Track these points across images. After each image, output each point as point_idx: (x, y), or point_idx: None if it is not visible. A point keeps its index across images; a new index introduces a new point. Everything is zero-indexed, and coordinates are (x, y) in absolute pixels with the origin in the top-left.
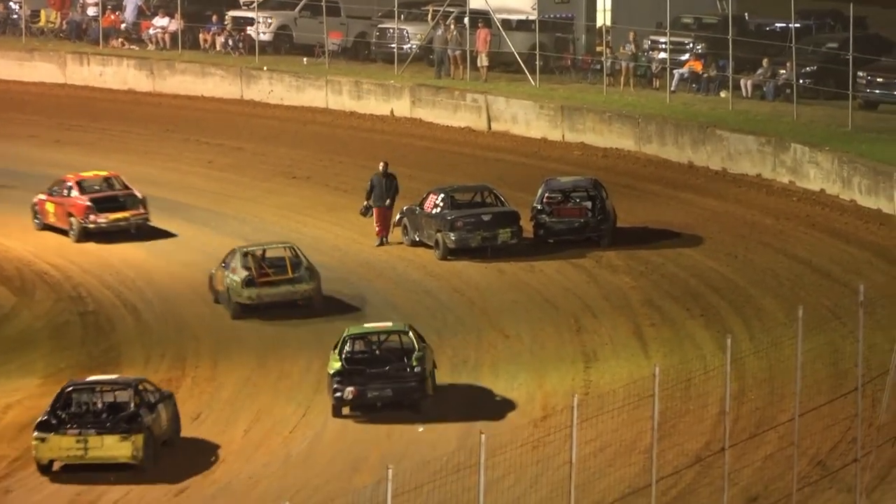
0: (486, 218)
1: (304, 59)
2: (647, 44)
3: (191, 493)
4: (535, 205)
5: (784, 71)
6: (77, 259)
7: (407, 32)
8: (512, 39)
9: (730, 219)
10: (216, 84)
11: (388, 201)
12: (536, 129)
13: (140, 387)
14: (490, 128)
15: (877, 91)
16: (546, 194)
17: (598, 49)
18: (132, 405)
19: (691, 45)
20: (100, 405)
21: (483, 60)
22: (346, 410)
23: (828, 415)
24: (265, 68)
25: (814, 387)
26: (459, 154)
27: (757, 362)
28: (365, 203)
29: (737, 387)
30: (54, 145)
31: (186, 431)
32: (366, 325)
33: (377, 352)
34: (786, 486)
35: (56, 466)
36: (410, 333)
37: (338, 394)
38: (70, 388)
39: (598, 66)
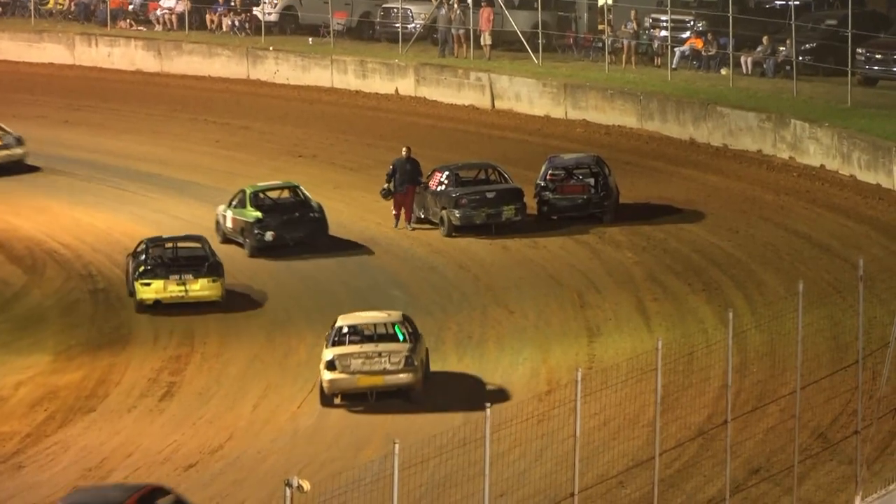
0: (490, 195)
1: (310, 38)
2: (648, 22)
3: (199, 468)
4: (538, 182)
5: (784, 48)
6: (87, 237)
7: (411, 12)
8: (515, 18)
9: (731, 194)
10: (223, 64)
11: (408, 185)
12: (539, 106)
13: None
14: (493, 106)
15: (875, 67)
16: (549, 171)
17: (600, 27)
18: (210, 255)
19: (692, 22)
20: (186, 255)
21: (486, 39)
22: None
23: (828, 387)
24: (271, 48)
25: (814, 360)
26: (463, 132)
27: (758, 336)
28: (385, 186)
29: (738, 360)
30: (63, 126)
31: (194, 408)
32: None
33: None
34: (787, 459)
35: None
36: None
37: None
38: (150, 245)
39: (601, 44)
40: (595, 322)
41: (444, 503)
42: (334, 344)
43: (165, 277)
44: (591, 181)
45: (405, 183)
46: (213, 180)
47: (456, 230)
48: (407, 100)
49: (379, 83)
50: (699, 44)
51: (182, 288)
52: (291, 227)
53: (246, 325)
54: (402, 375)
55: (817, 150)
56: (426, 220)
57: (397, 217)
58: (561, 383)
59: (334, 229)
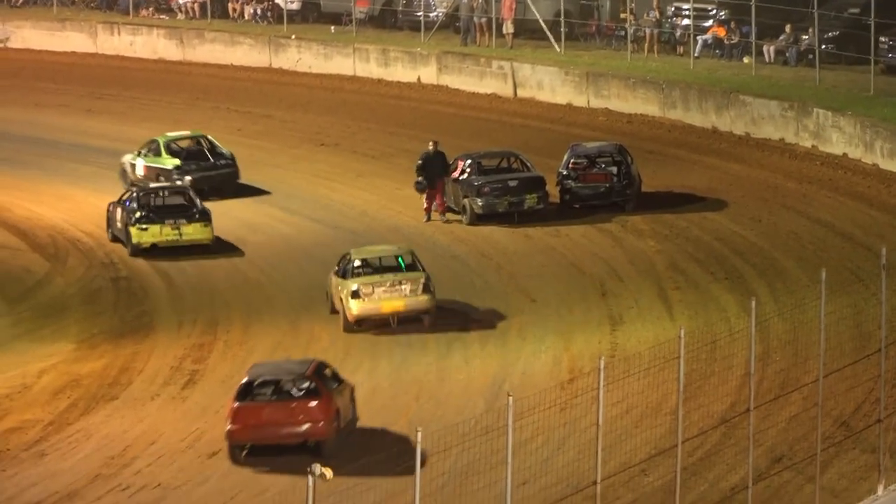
0: (512, 183)
1: (332, 27)
2: (670, 10)
3: (222, 456)
4: (560, 170)
5: (806, 36)
6: None
7: (433, 0)
8: (537, 6)
9: (753, 183)
10: (245, 53)
11: (443, 178)
12: (562, 95)
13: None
14: (516, 94)
15: None
16: (572, 160)
17: (623, 16)
18: (198, 202)
19: (715, 11)
20: (173, 204)
21: (508, 28)
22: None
23: (851, 376)
24: (293, 37)
25: (837, 348)
26: (486, 120)
27: (781, 324)
28: (418, 179)
29: (761, 349)
30: (85, 114)
31: (217, 396)
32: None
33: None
34: (810, 447)
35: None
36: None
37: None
38: (140, 194)
39: (623, 33)
40: (617, 310)
41: (467, 491)
42: (353, 276)
43: (161, 222)
44: (614, 169)
45: (434, 176)
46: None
47: (478, 218)
48: (429, 88)
49: (401, 71)
50: (722, 32)
51: (177, 232)
52: (207, 172)
53: (269, 312)
54: (421, 299)
55: (840, 138)
56: (449, 209)
57: (428, 211)
58: (583, 371)
59: (357, 218)
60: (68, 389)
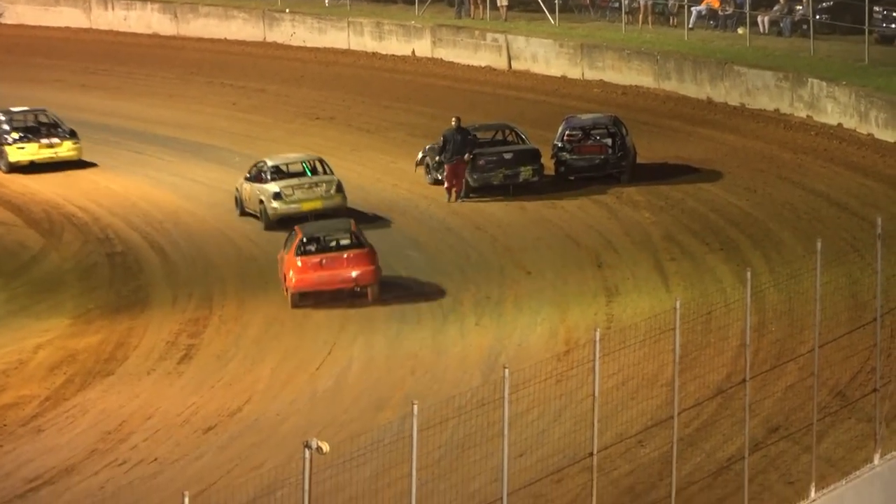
0: (507, 156)
1: (326, 0)
2: None
3: (218, 430)
4: (555, 142)
5: (801, 6)
6: (104, 201)
7: None
8: None
9: (748, 154)
10: (239, 27)
11: (465, 155)
12: (556, 67)
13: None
14: (510, 67)
15: (893, 25)
16: (566, 132)
17: None
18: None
19: None
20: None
21: (502, 0)
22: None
23: (847, 346)
24: (287, 11)
25: (833, 318)
26: (480, 93)
27: (776, 295)
28: (437, 158)
29: (757, 319)
30: (80, 89)
31: (213, 371)
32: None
33: None
34: (806, 417)
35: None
36: None
37: None
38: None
39: (617, 5)
40: (613, 282)
41: (463, 463)
42: (271, 180)
43: (37, 141)
44: (609, 141)
45: (455, 154)
46: (230, 143)
47: (473, 191)
48: (423, 61)
49: (395, 45)
50: (716, 3)
51: (52, 150)
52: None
53: (264, 287)
54: (335, 199)
55: (835, 108)
56: (443, 182)
57: (450, 191)
58: (579, 343)
59: (352, 191)
60: (64, 365)
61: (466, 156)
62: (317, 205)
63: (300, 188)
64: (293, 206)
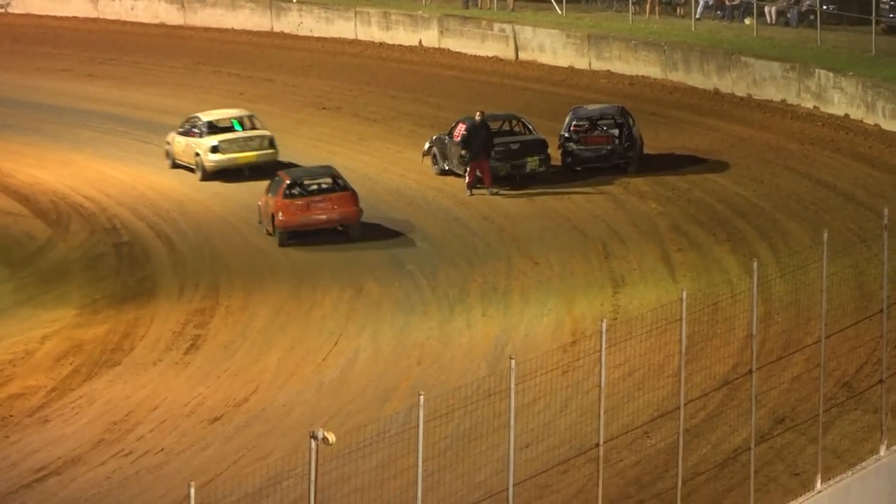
0: (514, 146)
1: None
2: None
3: (225, 421)
4: (562, 133)
5: None
6: (111, 191)
7: None
8: None
9: (755, 144)
10: (246, 17)
11: (490, 151)
12: (563, 57)
13: None
14: (517, 57)
15: None
16: (573, 122)
17: None
18: None
19: None
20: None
21: None
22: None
23: (853, 336)
24: (294, 0)
25: (839, 309)
26: (487, 83)
27: (783, 286)
28: (462, 152)
29: (763, 310)
30: (87, 79)
31: (220, 361)
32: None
33: None
34: (812, 408)
35: None
36: None
37: None
38: None
39: None
40: (619, 272)
41: (469, 454)
42: (208, 134)
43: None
44: (616, 132)
45: (479, 149)
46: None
47: (480, 182)
48: (431, 51)
49: (403, 35)
50: None
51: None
52: None
53: (271, 277)
54: (269, 152)
55: (842, 99)
56: (450, 172)
57: (471, 185)
58: (586, 334)
59: (359, 181)
60: (71, 355)
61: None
62: (252, 157)
63: (236, 142)
64: (230, 158)
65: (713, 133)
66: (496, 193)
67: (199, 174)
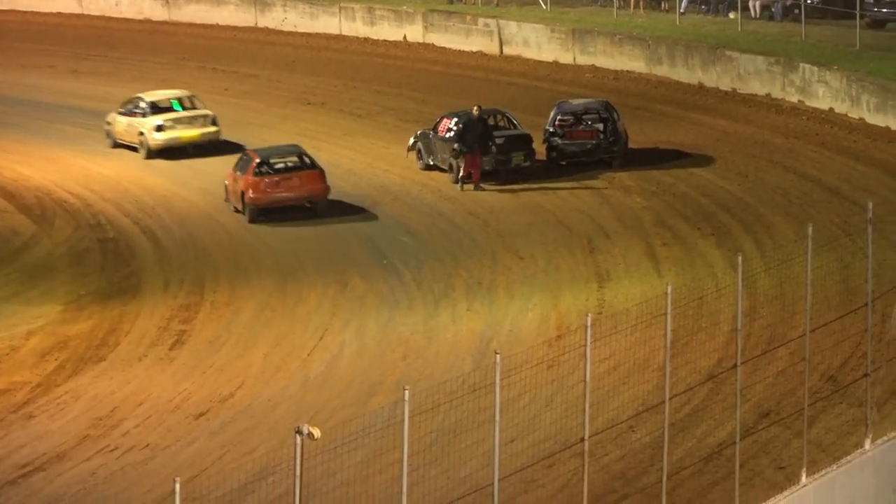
0: (499, 141)
1: None
2: None
3: (210, 416)
4: (547, 127)
5: None
6: (96, 187)
7: None
8: None
9: (740, 138)
10: (231, 12)
11: (487, 146)
12: (548, 52)
13: None
14: (502, 52)
15: (884, 10)
16: (558, 117)
17: None
18: None
19: None
20: None
21: None
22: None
23: (838, 330)
24: None
25: (824, 303)
26: (472, 78)
27: (768, 280)
28: (455, 146)
29: (748, 304)
30: (72, 75)
31: (205, 357)
32: None
33: None
34: (797, 402)
35: None
36: None
37: None
38: None
39: None
40: (605, 267)
41: (455, 449)
42: (151, 114)
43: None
44: (600, 126)
45: (476, 143)
46: (223, 128)
47: (467, 177)
48: (415, 46)
49: (387, 30)
50: None
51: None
52: None
53: (255, 273)
54: (211, 130)
55: (826, 93)
56: (434, 167)
57: (464, 179)
58: (571, 329)
59: (344, 177)
60: (56, 351)
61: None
62: (195, 136)
63: (180, 121)
64: (174, 137)
65: (698, 127)
66: (481, 189)
67: (143, 153)
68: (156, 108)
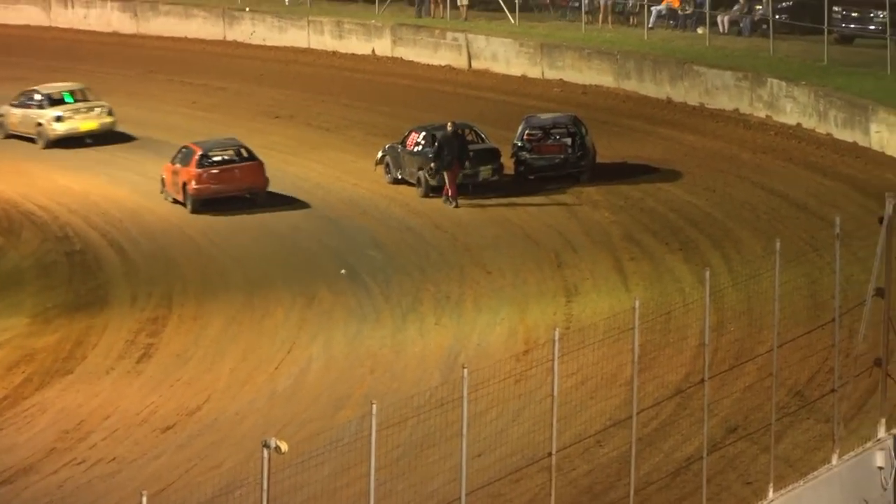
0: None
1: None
2: None
3: (177, 429)
4: (515, 142)
5: (760, 6)
6: (64, 199)
7: None
8: None
9: (708, 153)
10: (199, 25)
11: (465, 161)
12: (516, 66)
13: None
14: (470, 66)
15: (852, 25)
16: (526, 131)
17: None
18: None
19: None
20: None
21: None
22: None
23: (806, 346)
24: (247, 9)
25: (792, 318)
26: (440, 92)
27: (735, 295)
28: (431, 165)
29: (716, 319)
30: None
31: (172, 370)
32: None
33: None
34: (765, 417)
35: None
36: None
37: None
38: None
39: (577, 4)
40: (572, 281)
41: (422, 463)
42: (49, 106)
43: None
44: (568, 141)
45: (454, 159)
46: (190, 141)
47: (433, 190)
48: (384, 60)
49: (355, 44)
50: (675, 3)
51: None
52: None
53: (223, 286)
54: (108, 120)
55: (794, 108)
56: (402, 181)
57: (455, 197)
58: (538, 343)
59: (312, 190)
60: (23, 364)
61: (462, 162)
62: (93, 126)
63: (78, 112)
64: (73, 126)
65: (666, 142)
66: (456, 206)
67: (41, 143)
68: (51, 100)
